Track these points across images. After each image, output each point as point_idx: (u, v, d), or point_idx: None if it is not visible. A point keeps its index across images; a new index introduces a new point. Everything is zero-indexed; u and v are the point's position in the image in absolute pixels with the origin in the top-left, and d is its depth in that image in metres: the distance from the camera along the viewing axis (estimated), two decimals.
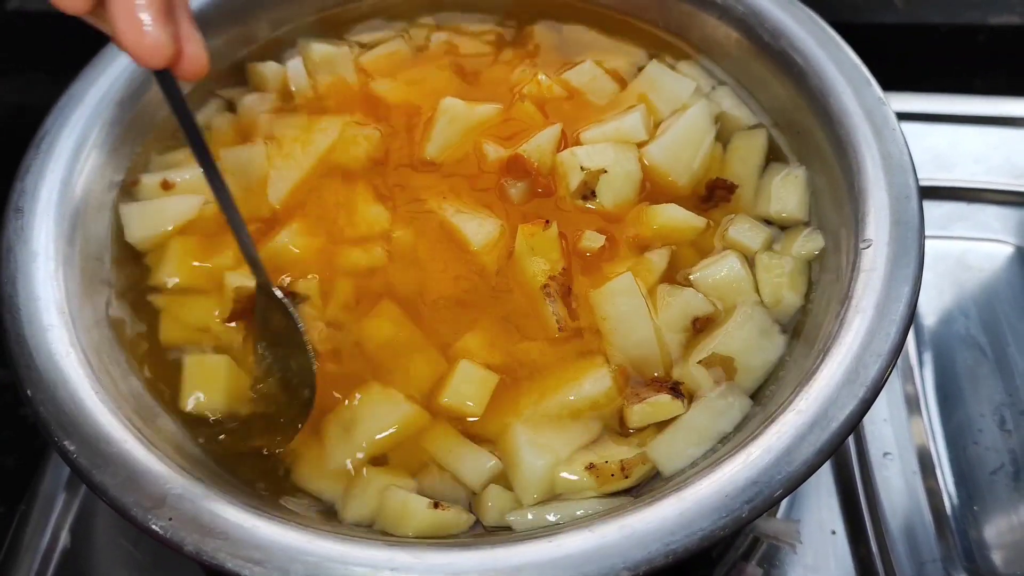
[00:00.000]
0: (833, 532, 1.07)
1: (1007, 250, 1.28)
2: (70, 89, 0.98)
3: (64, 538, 1.08)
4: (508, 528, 0.79)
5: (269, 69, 1.10)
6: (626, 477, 0.81)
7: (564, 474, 0.81)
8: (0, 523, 1.08)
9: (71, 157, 0.94)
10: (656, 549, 0.68)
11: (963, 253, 1.28)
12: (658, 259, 0.94)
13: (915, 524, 1.07)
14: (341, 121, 1.04)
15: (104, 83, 0.99)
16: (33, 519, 1.09)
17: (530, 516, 0.79)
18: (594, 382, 0.85)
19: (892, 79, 0.94)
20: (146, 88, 1.01)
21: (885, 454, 1.11)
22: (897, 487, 1.09)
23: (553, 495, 0.81)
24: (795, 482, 0.72)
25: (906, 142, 0.91)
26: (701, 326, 0.90)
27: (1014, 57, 1.51)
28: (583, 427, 0.84)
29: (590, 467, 0.81)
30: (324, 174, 1.01)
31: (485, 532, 0.80)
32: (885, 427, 1.13)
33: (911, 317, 0.80)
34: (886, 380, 0.77)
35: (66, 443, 0.75)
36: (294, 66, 1.10)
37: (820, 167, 0.95)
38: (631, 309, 0.89)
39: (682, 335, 0.90)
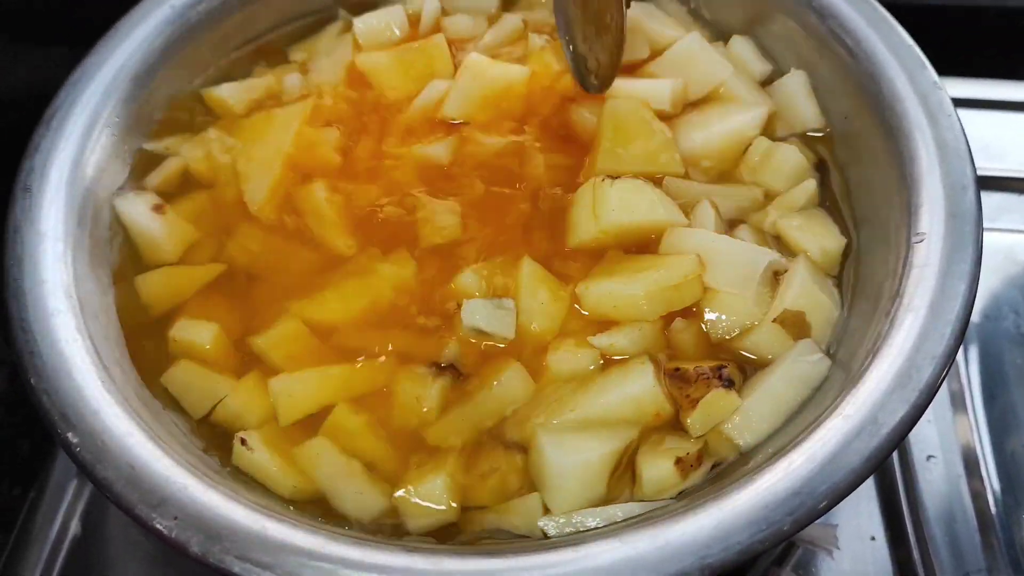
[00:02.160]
0: (872, 538, 1.03)
1: None
2: (83, 63, 0.94)
3: (74, 527, 1.05)
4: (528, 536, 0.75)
5: None
6: (705, 466, 0.78)
7: (649, 471, 0.77)
8: (13, 507, 1.05)
9: (83, 135, 0.90)
10: (690, 563, 0.64)
11: (1012, 246, 1.22)
12: None
13: (959, 531, 1.01)
14: None
15: (119, 57, 0.95)
16: (43, 507, 1.06)
17: (562, 520, 0.75)
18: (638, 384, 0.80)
19: (936, 63, 0.89)
20: (162, 63, 0.98)
21: (929, 457, 1.06)
22: (941, 492, 1.04)
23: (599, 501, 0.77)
24: (840, 493, 0.67)
25: (963, 129, 0.85)
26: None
27: None
28: (613, 432, 0.79)
29: (677, 462, 0.76)
30: None
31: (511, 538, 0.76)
32: (929, 428, 1.08)
33: (968, 317, 0.75)
34: (940, 384, 0.72)
35: (69, 435, 0.71)
36: None
37: (869, 155, 0.90)
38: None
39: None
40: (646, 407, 0.79)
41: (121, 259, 0.91)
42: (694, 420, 0.79)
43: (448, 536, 0.77)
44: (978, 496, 1.03)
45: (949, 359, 0.72)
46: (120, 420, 0.73)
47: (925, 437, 1.07)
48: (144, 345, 0.86)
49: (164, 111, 1.00)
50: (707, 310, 0.86)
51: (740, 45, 1.04)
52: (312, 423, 0.82)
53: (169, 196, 0.96)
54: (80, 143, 0.90)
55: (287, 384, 0.82)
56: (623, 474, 0.78)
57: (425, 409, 0.81)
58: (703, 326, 0.85)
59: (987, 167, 1.25)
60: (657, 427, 0.80)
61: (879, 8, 0.94)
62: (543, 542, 0.70)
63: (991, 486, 1.04)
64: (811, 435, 0.70)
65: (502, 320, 0.84)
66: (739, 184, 0.96)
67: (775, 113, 1.00)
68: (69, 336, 0.77)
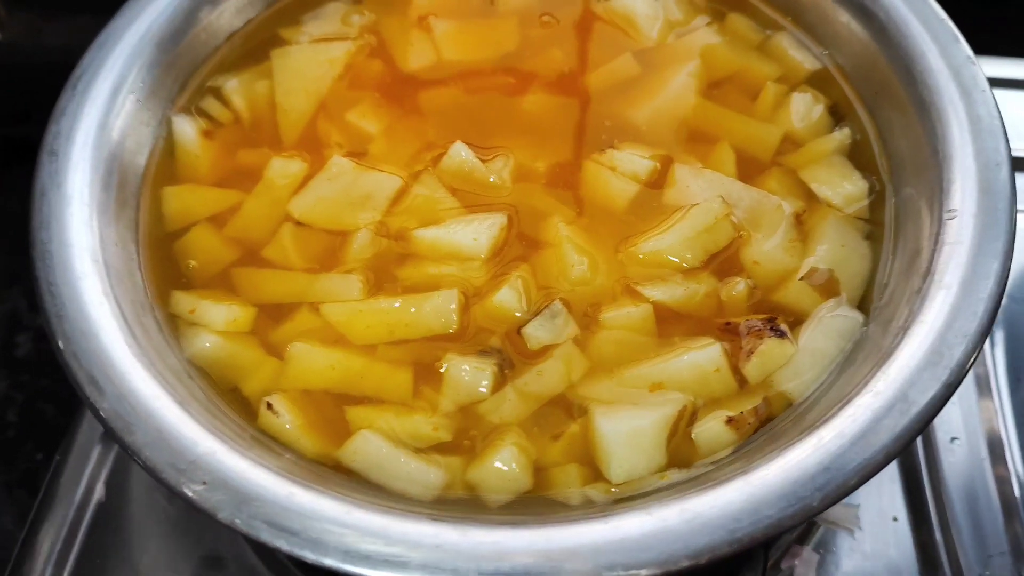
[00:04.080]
0: (895, 519, 1.02)
1: None
2: (108, 27, 0.94)
3: (99, 490, 1.06)
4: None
5: None
6: (760, 421, 0.77)
7: (704, 431, 0.77)
8: (38, 471, 1.06)
9: (108, 99, 0.90)
10: (720, 536, 0.63)
11: None
12: None
13: (982, 514, 1.01)
14: None
15: (144, 21, 0.94)
16: (68, 470, 1.07)
17: (614, 488, 0.75)
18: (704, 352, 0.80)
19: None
20: (188, 26, 0.97)
21: (952, 439, 1.06)
22: (964, 474, 1.03)
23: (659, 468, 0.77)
24: (871, 470, 0.66)
25: (997, 105, 0.84)
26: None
27: None
28: (666, 398, 0.78)
29: (730, 421, 0.76)
30: None
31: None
32: (953, 410, 1.07)
33: (1001, 295, 0.73)
34: (972, 363, 0.71)
35: (97, 399, 0.71)
36: None
37: (901, 129, 0.88)
38: None
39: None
40: (709, 376, 0.79)
41: (149, 221, 0.91)
42: (752, 368, 0.79)
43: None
44: (1002, 479, 1.03)
45: (982, 337, 0.71)
46: (147, 384, 0.72)
47: (949, 419, 1.07)
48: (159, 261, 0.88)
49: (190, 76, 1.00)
50: (743, 257, 0.86)
51: (784, 40, 1.03)
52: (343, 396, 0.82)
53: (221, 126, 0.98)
54: (106, 107, 0.89)
55: (311, 353, 0.82)
56: (683, 440, 0.78)
57: (480, 387, 0.80)
58: (746, 280, 0.85)
59: (1018, 148, 1.23)
60: (719, 398, 0.80)
61: None
62: (572, 514, 0.70)
63: (1015, 470, 1.03)
64: (841, 411, 0.69)
65: (562, 326, 0.82)
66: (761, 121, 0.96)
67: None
68: (96, 299, 0.77)
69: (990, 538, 1.00)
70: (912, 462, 1.04)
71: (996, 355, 1.11)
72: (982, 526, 1.00)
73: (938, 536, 1.00)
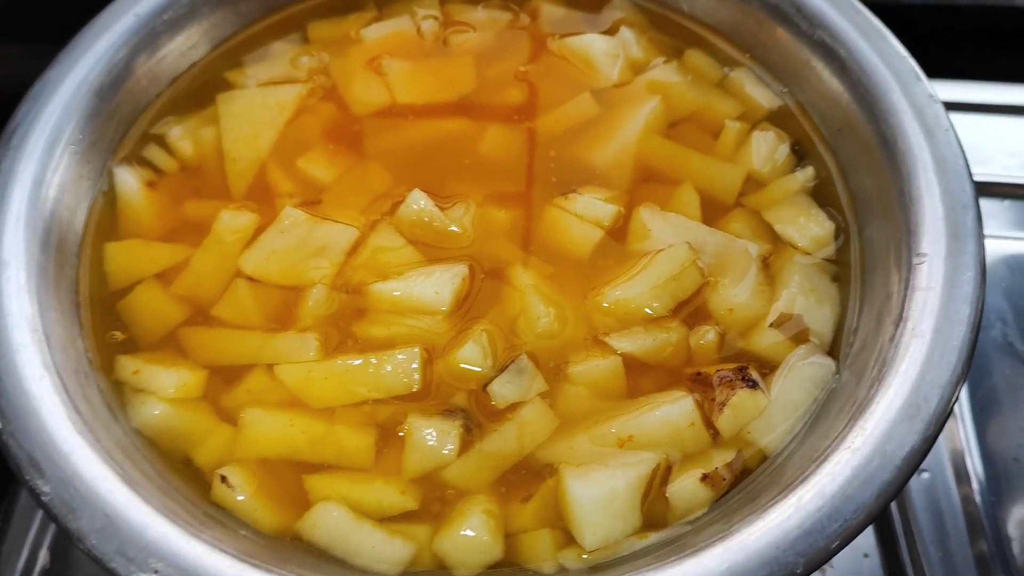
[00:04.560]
0: (865, 555, 1.01)
1: None
2: (43, 76, 0.89)
3: (43, 557, 1.01)
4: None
5: None
6: (735, 476, 0.76)
7: (679, 490, 0.75)
8: None
9: (44, 153, 0.86)
10: None
11: (996, 252, 1.20)
12: None
13: (952, 546, 1.00)
14: None
15: (82, 69, 0.90)
16: (9, 537, 1.02)
17: (585, 556, 0.72)
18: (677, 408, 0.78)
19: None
20: (128, 73, 0.93)
21: (920, 471, 1.05)
22: (933, 507, 1.02)
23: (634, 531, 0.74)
24: (853, 532, 0.65)
25: (960, 144, 0.83)
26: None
27: None
28: (639, 458, 0.76)
29: (704, 478, 0.74)
30: None
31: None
32: None
33: (975, 342, 0.73)
34: (949, 414, 0.70)
35: (39, 482, 0.67)
36: None
37: (865, 167, 0.88)
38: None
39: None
40: (683, 431, 0.77)
41: (90, 281, 0.87)
42: (724, 420, 0.77)
43: None
44: (969, 508, 1.02)
45: (957, 386, 0.71)
46: (92, 463, 0.68)
47: None
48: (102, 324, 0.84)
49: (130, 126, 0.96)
50: (711, 304, 0.85)
51: (744, 76, 1.01)
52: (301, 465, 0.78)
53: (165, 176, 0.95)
54: (42, 162, 0.85)
55: (266, 419, 0.78)
56: (657, 500, 0.75)
57: (445, 450, 0.76)
58: (715, 328, 0.83)
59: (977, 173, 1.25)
60: (692, 454, 0.78)
61: (872, 18, 0.92)
62: None
63: (982, 498, 1.03)
64: (819, 469, 0.67)
65: (529, 382, 0.80)
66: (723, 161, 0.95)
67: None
68: (36, 373, 0.73)
69: (961, 570, 0.99)
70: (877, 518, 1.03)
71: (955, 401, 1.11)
72: (953, 562, 0.99)
73: (910, 571, 0.99)
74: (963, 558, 0.99)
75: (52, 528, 1.02)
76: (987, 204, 1.24)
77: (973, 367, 1.11)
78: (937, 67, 1.23)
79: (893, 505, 1.03)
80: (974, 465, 1.05)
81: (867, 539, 1.02)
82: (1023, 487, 1.03)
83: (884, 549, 1.02)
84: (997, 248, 1.20)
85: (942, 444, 1.07)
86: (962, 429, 1.07)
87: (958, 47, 1.39)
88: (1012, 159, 1.27)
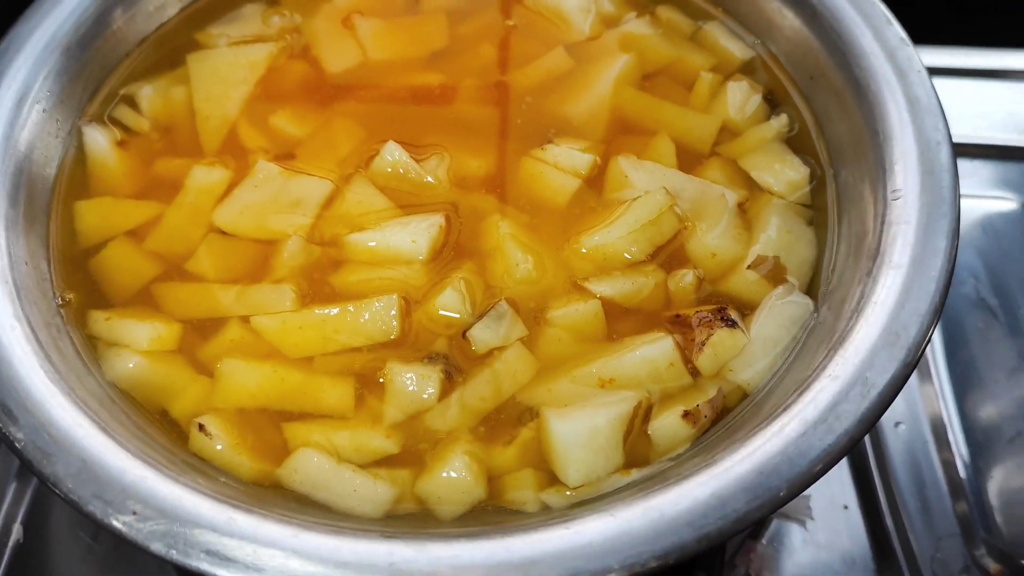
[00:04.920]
0: (845, 507, 1.02)
1: (1012, 207, 1.22)
2: (11, 32, 0.88)
3: (16, 531, 0.99)
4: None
5: None
6: (716, 414, 0.75)
7: (660, 427, 0.74)
8: None
9: (12, 109, 0.85)
10: (687, 534, 0.61)
11: (968, 211, 1.20)
12: None
13: (931, 497, 1.01)
14: None
15: (50, 27, 0.89)
16: None
17: (568, 492, 0.72)
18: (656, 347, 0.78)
19: None
20: (97, 32, 0.92)
21: (896, 424, 1.06)
22: (910, 458, 1.03)
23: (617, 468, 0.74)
24: (835, 456, 0.65)
25: (932, 85, 0.84)
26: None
27: (1009, 6, 1.45)
28: (620, 397, 0.76)
29: (685, 415, 0.74)
30: None
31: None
32: None
33: (951, 273, 0.73)
34: (928, 342, 0.70)
35: (12, 430, 0.66)
36: None
37: (839, 113, 0.88)
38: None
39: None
40: (662, 370, 0.77)
41: (61, 237, 0.85)
42: (704, 359, 0.77)
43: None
44: (947, 461, 1.03)
45: (936, 315, 0.71)
46: (67, 411, 0.67)
47: (893, 404, 1.06)
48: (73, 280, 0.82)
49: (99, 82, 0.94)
50: (689, 248, 0.85)
51: (716, 29, 1.01)
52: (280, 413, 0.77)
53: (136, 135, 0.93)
54: (10, 118, 0.84)
55: (244, 369, 0.77)
56: (639, 438, 0.75)
57: (425, 395, 0.76)
58: (693, 271, 0.83)
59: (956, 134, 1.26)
60: (673, 393, 0.77)
61: None
62: (531, 521, 0.66)
63: (959, 450, 1.04)
64: (800, 397, 0.67)
65: (509, 327, 0.79)
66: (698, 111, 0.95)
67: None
68: (7, 323, 0.72)
69: (939, 521, 1.00)
70: (859, 449, 1.04)
71: (934, 340, 1.12)
72: (930, 509, 1.00)
73: (889, 522, 1.00)
74: (940, 507, 1.00)
75: (26, 501, 1.00)
76: (959, 164, 1.26)
77: (945, 322, 1.12)
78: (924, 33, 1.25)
79: (871, 457, 1.03)
80: (949, 416, 1.06)
81: (845, 491, 1.03)
82: (997, 436, 1.04)
83: (863, 500, 1.02)
84: (969, 207, 1.21)
85: (917, 396, 1.08)
86: (937, 382, 1.08)
87: (925, 14, 1.41)
88: (981, 120, 1.29)
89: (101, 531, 0.91)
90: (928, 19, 1.34)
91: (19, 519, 0.99)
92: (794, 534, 1.01)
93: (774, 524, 1.01)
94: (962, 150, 1.25)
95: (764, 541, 1.00)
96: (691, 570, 0.94)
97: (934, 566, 0.97)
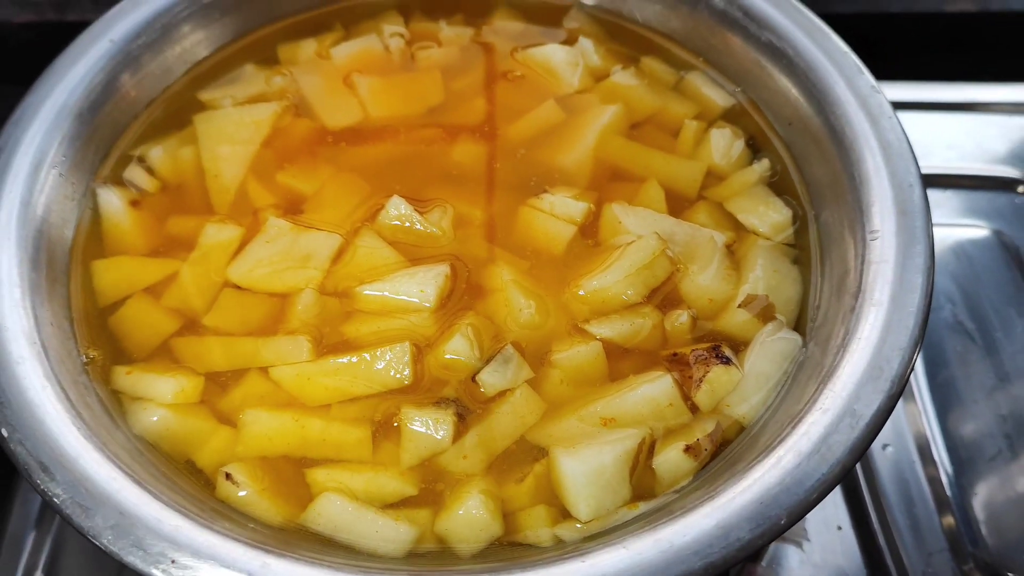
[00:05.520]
0: (839, 528, 1.06)
1: (984, 234, 1.27)
2: (24, 101, 0.92)
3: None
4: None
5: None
6: (716, 446, 0.80)
7: (664, 461, 0.79)
8: None
9: (30, 174, 0.88)
10: (695, 563, 0.65)
11: (942, 239, 1.27)
12: None
13: (920, 515, 1.05)
14: None
15: (61, 94, 0.93)
16: (1, 562, 1.02)
17: (579, 526, 0.76)
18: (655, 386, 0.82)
19: None
20: (107, 97, 0.96)
21: (884, 446, 1.10)
22: (899, 478, 1.08)
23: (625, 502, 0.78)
24: (830, 484, 0.69)
25: (903, 129, 0.90)
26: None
27: (973, 43, 1.51)
28: (625, 433, 0.80)
29: (687, 449, 0.78)
30: None
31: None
32: None
33: (928, 307, 0.78)
34: (910, 374, 0.75)
35: (50, 487, 0.69)
36: None
37: (817, 157, 0.93)
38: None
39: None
40: (663, 407, 0.81)
41: (81, 297, 0.89)
42: (702, 395, 0.82)
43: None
44: (933, 479, 1.08)
45: (915, 348, 0.76)
46: (101, 465, 0.71)
47: None
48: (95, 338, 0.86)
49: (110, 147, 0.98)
50: (683, 289, 0.90)
51: (698, 79, 1.07)
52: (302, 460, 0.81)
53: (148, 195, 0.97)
54: (28, 183, 0.87)
55: (266, 419, 0.81)
56: (645, 472, 0.79)
57: (439, 436, 0.80)
58: (688, 311, 0.87)
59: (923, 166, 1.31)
60: (674, 428, 0.82)
61: (814, 18, 0.98)
62: (547, 555, 0.70)
63: (944, 468, 1.08)
64: (794, 430, 0.72)
65: (515, 370, 0.83)
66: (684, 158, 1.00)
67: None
68: (38, 383, 0.75)
69: (929, 537, 1.04)
70: (850, 471, 1.08)
71: (916, 364, 1.16)
72: (920, 527, 1.04)
73: (881, 540, 1.04)
74: (929, 524, 1.05)
75: (46, 548, 1.02)
76: (931, 195, 1.30)
77: (928, 345, 1.17)
78: (875, 71, 1.30)
79: (862, 478, 1.08)
80: (933, 436, 1.11)
81: (839, 512, 1.07)
82: (979, 454, 1.09)
83: (856, 521, 1.06)
84: (943, 235, 1.27)
85: (903, 417, 1.12)
86: (920, 403, 1.13)
87: (893, 53, 1.47)
88: (951, 151, 1.34)
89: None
90: (895, 58, 1.41)
91: (40, 567, 1.02)
92: (792, 555, 1.04)
93: (772, 547, 1.05)
94: (935, 180, 1.31)
95: (764, 563, 1.04)
96: None
97: None
